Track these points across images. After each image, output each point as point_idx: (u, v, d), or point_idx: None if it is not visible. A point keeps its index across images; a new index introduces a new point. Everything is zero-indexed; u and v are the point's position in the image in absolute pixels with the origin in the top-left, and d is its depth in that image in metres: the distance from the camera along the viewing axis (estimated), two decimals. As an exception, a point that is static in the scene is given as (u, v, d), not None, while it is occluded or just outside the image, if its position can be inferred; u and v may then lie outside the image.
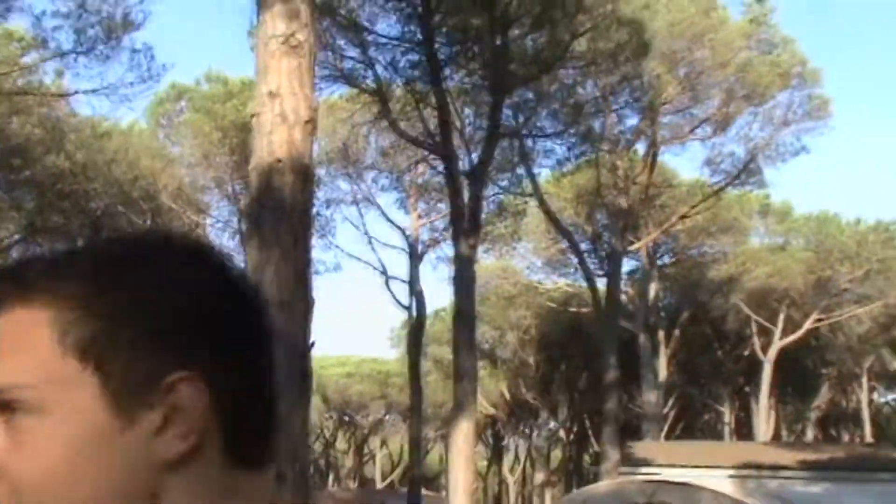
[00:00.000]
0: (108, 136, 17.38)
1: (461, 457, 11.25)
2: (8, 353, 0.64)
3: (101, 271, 0.66)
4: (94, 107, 17.15)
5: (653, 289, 24.01)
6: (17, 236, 19.89)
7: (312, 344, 5.99)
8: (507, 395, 35.59)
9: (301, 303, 5.75)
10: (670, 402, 29.00)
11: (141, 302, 0.64)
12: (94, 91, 14.26)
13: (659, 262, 25.77)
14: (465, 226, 12.30)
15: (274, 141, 5.94)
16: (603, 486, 13.77)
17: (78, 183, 17.52)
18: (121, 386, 0.63)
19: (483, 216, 17.98)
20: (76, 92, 14.59)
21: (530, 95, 15.47)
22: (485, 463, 46.81)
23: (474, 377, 11.68)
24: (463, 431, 11.30)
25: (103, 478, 0.63)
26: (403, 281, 18.98)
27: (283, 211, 5.82)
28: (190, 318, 0.65)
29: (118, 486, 0.63)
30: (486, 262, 26.55)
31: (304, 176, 5.97)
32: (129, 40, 15.13)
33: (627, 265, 24.03)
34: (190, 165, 18.48)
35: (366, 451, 48.94)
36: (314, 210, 20.03)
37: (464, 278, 11.94)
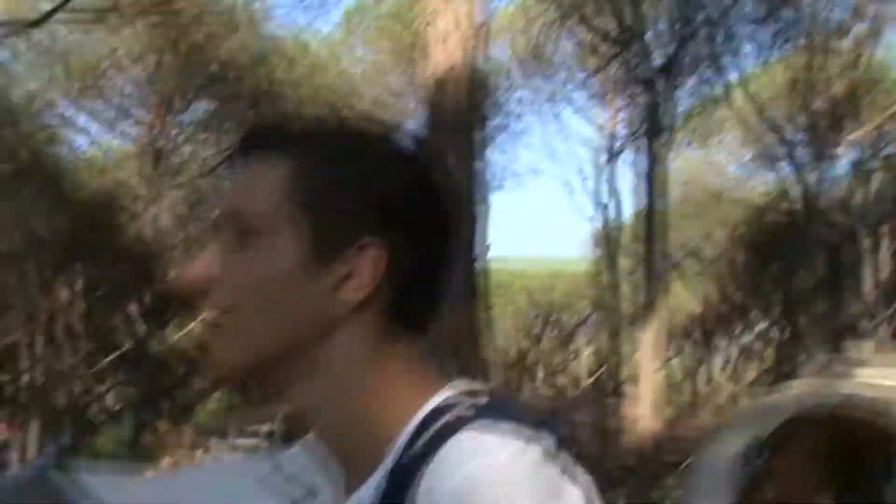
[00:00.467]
0: (307, 48, 18.28)
1: (650, 357, 11.29)
2: (249, 186, 0.84)
3: (331, 144, 0.85)
4: (292, 21, 17.98)
5: (875, 180, 22.41)
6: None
7: (488, 246, 6.18)
8: (715, 295, 34.76)
9: (475, 207, 5.96)
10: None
11: (355, 177, 0.82)
12: (289, 11, 15.06)
13: (883, 153, 23.92)
14: (658, 124, 12.00)
15: (447, 48, 6.07)
16: (803, 384, 13.31)
17: (281, 95, 18.60)
18: (324, 237, 0.82)
19: (681, 111, 17.40)
20: (273, 14, 15.51)
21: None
22: (692, 364, 46.31)
23: (665, 278, 11.59)
24: (653, 332, 11.30)
25: (292, 304, 0.82)
26: (598, 181, 18.80)
27: (458, 116, 5.99)
28: (389, 198, 0.82)
29: (301, 314, 0.82)
30: (690, 156, 25.72)
31: (478, 82, 6.09)
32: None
33: (845, 157, 22.55)
34: (385, 72, 19.04)
35: (571, 349, 49.67)
36: (506, 113, 20.17)
37: (656, 177, 11.72)
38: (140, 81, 19.98)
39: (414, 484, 0.75)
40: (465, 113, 6.04)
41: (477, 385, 0.84)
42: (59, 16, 13.34)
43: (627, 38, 13.76)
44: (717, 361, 44.66)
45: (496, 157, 27.62)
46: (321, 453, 0.89)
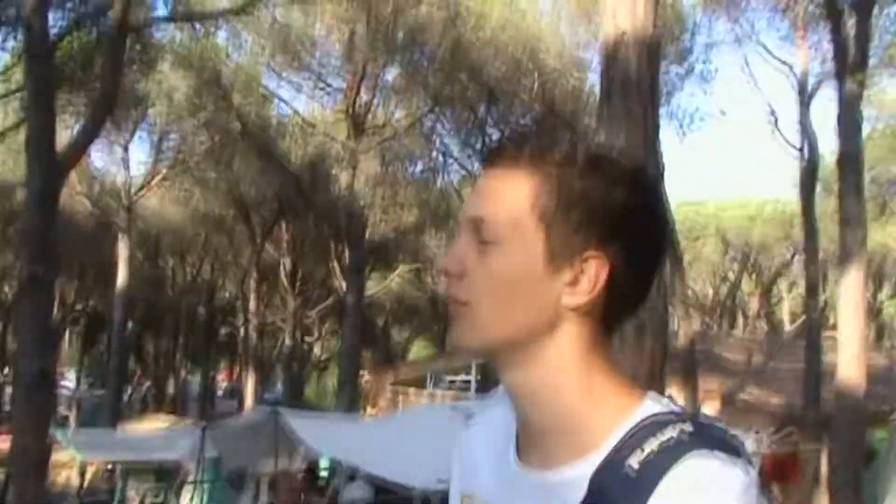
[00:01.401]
0: (494, 5, 18.60)
1: (850, 305, 10.97)
2: (493, 197, 0.95)
3: (565, 167, 0.93)
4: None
5: None
6: (426, 108, 22.13)
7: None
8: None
9: (651, 169, 6.12)
10: None
11: (585, 197, 0.92)
12: None
13: None
14: (850, 62, 11.48)
15: (619, 14, 6.23)
16: None
17: (471, 55, 19.01)
18: (556, 248, 0.92)
19: (880, 44, 16.39)
20: None
21: None
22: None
23: (863, 223, 11.16)
24: (851, 279, 10.96)
25: (525, 300, 0.93)
26: (794, 123, 18.04)
27: (630, 82, 6.14)
28: (613, 217, 0.92)
29: (529, 312, 0.94)
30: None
31: (650, 46, 6.21)
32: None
33: None
34: (570, 25, 19.05)
35: (774, 293, 47.72)
36: (694, 55, 19.60)
37: (849, 118, 11.27)
38: (337, 53, 21.00)
39: (642, 498, 0.84)
40: (641, 74, 6.13)
41: (670, 403, 0.95)
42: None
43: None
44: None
45: (685, 101, 26.90)
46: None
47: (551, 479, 0.93)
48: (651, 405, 0.93)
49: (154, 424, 26.97)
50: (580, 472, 0.90)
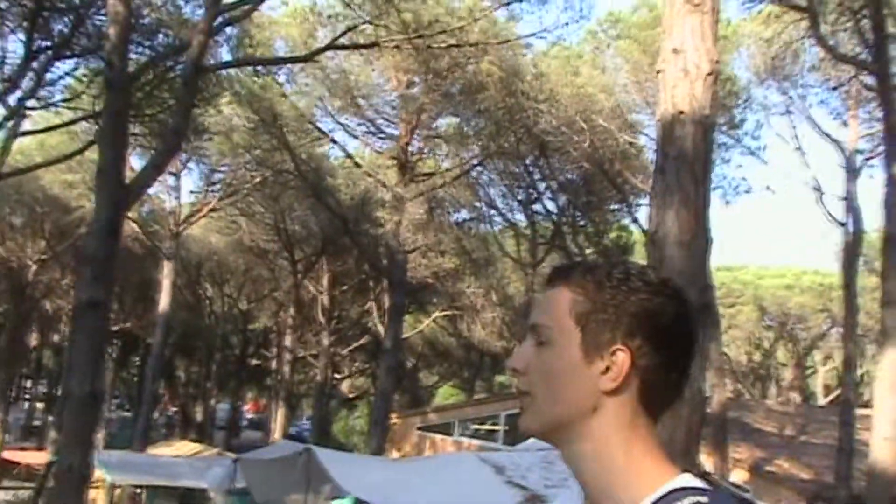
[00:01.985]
0: (551, 66, 19.06)
1: (886, 385, 10.99)
2: (546, 308, 1.19)
3: (598, 279, 1.17)
4: (533, 50, 18.83)
5: None
6: (476, 160, 22.54)
7: (709, 279, 6.60)
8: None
9: (699, 242, 6.35)
10: None
11: (613, 302, 1.15)
12: (533, 35, 16.19)
13: None
14: (900, 144, 11.63)
15: (677, 94, 6.50)
16: None
17: (525, 110, 19.41)
18: (590, 343, 1.14)
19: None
20: (518, 38, 16.60)
21: None
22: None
23: (903, 304, 11.21)
24: (889, 360, 10.99)
25: (570, 387, 1.15)
26: (839, 197, 18.13)
27: (685, 159, 6.39)
28: (635, 317, 1.14)
29: (574, 397, 1.15)
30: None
31: (705, 126, 6.46)
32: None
33: None
34: (622, 89, 19.38)
35: (808, 364, 47.16)
36: (743, 132, 19.80)
37: (895, 200, 11.39)
38: (392, 101, 21.55)
39: None
40: (696, 152, 6.36)
41: (703, 478, 1.13)
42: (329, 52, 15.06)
43: (866, 60, 13.37)
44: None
45: (730, 171, 27.07)
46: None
47: None
48: (682, 480, 1.10)
49: (181, 450, 27.25)
50: None
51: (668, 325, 1.15)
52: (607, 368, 1.13)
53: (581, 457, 1.16)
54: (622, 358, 1.13)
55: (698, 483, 1.11)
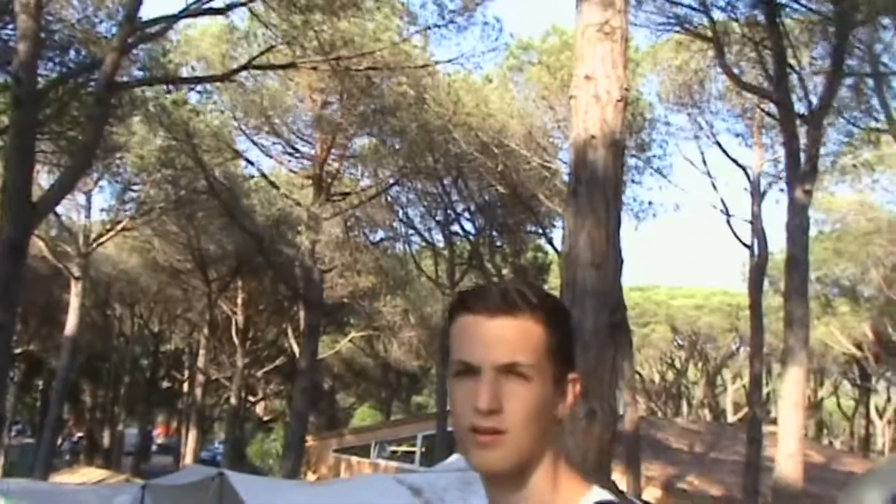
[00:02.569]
0: (465, 90, 19.26)
1: (789, 403, 11.39)
2: (527, 346, 1.19)
3: (555, 315, 1.23)
4: (449, 72, 19.07)
5: None
6: (392, 179, 22.58)
7: (621, 299, 6.79)
8: (871, 334, 33.44)
9: (611, 263, 6.50)
10: None
11: (567, 335, 1.24)
12: (450, 61, 16.52)
13: None
14: (801, 170, 12.12)
15: (588, 119, 6.66)
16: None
17: (440, 132, 19.55)
18: (557, 377, 1.20)
19: (830, 151, 17.23)
20: (437, 62, 16.92)
21: (885, 28, 14.45)
22: (851, 403, 44.30)
23: (805, 325, 11.66)
24: (792, 379, 11.40)
25: (544, 421, 1.19)
26: (745, 220, 18.76)
27: (597, 182, 6.54)
28: (571, 345, 1.24)
29: (546, 427, 1.20)
30: (843, 195, 25.10)
31: (616, 150, 6.64)
32: (480, 14, 16.96)
33: None
34: (535, 114, 19.71)
35: (719, 383, 48.41)
36: (652, 148, 20.32)
37: (796, 224, 11.85)
38: (308, 120, 21.44)
39: None
40: (606, 175, 6.51)
41: (616, 495, 1.21)
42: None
43: (768, 89, 13.92)
44: (875, 402, 42.55)
45: (640, 192, 27.71)
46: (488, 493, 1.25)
47: None
48: (597, 494, 1.18)
49: (86, 476, 26.38)
50: None
51: (573, 345, 1.25)
52: (565, 397, 1.21)
53: (536, 488, 1.19)
54: (575, 385, 1.22)
55: (611, 497, 1.17)
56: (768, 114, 16.48)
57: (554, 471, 1.20)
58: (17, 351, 35.41)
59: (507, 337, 1.18)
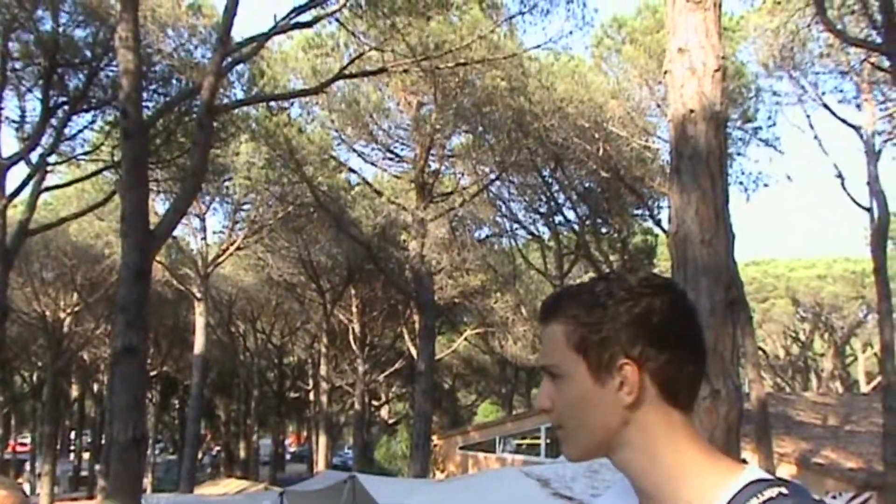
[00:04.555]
0: (558, 76, 19.11)
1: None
2: (547, 349, 1.24)
3: (584, 303, 1.21)
4: (540, 59, 18.91)
5: None
6: (492, 175, 22.60)
7: (735, 275, 6.62)
8: None
9: (721, 239, 6.34)
10: None
11: (604, 320, 1.19)
12: (538, 46, 16.34)
13: None
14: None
15: (686, 93, 6.52)
16: None
17: (537, 121, 19.46)
18: (595, 366, 1.18)
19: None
20: (525, 50, 16.79)
21: None
22: None
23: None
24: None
25: (593, 412, 1.19)
26: (862, 183, 17.94)
27: (699, 157, 6.40)
28: (629, 326, 1.17)
29: (601, 417, 1.19)
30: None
31: (717, 123, 6.48)
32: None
33: None
34: (632, 94, 19.40)
35: (848, 353, 46.59)
36: (758, 125, 19.71)
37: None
38: (405, 123, 21.70)
39: None
40: (709, 148, 6.36)
41: (768, 472, 1.14)
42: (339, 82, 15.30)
43: (876, 42, 13.31)
44: None
45: (748, 165, 26.89)
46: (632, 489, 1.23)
47: None
48: (753, 472, 1.12)
49: (228, 487, 27.41)
50: None
51: (662, 321, 1.18)
52: (621, 384, 1.17)
53: (631, 465, 1.20)
54: (629, 370, 1.17)
55: (767, 474, 1.13)
56: (879, 68, 15.74)
57: (672, 453, 1.17)
58: (153, 373, 37.17)
59: (543, 342, 1.26)
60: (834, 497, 13.42)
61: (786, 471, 16.62)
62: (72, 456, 50.33)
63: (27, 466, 41.61)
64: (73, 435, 52.73)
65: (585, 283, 1.28)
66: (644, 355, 1.17)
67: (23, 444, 48.65)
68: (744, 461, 1.21)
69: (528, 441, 28.49)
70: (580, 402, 1.20)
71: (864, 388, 41.06)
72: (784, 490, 1.07)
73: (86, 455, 46.90)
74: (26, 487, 34.61)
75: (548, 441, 26.96)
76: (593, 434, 1.20)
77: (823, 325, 43.21)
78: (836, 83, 19.30)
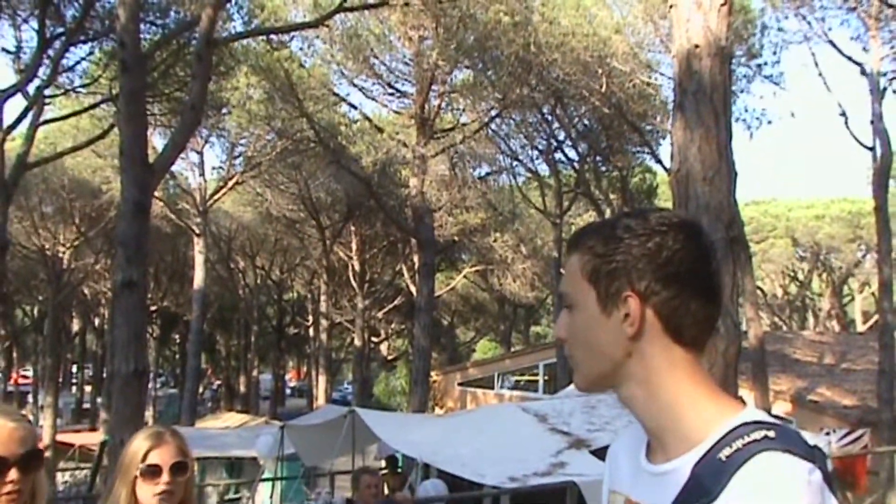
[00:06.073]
0: (562, 9, 18.80)
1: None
2: (568, 277, 1.29)
3: (602, 235, 1.26)
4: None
5: None
6: (493, 111, 22.39)
7: (736, 213, 6.59)
8: None
9: (724, 177, 6.32)
10: None
11: (616, 253, 1.23)
12: None
13: None
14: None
15: (691, 28, 6.43)
16: None
17: (539, 56, 19.20)
18: (603, 296, 1.23)
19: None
20: None
21: None
22: None
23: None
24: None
25: (598, 341, 1.24)
26: (865, 121, 17.77)
27: (703, 93, 6.34)
28: (639, 261, 1.21)
29: (605, 347, 1.24)
30: None
31: (722, 58, 6.40)
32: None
33: None
34: (637, 28, 19.11)
35: (846, 293, 46.82)
36: (762, 61, 19.46)
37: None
38: (405, 58, 21.39)
39: (724, 482, 1.08)
40: (714, 84, 6.30)
41: (766, 415, 1.17)
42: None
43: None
44: None
45: (752, 101, 26.62)
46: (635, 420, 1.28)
47: (665, 469, 1.20)
48: (749, 414, 1.16)
49: (228, 421, 27.77)
50: (686, 462, 1.16)
51: (670, 258, 1.20)
52: (626, 316, 1.21)
53: (633, 399, 1.24)
54: (633, 303, 1.20)
55: (764, 417, 1.16)
56: (888, 4, 15.50)
57: (673, 387, 1.20)
58: (153, 308, 37.39)
59: (564, 272, 1.33)
60: (828, 433, 13.61)
61: (781, 408, 16.85)
62: (74, 389, 50.94)
63: (30, 398, 42.14)
64: (74, 368, 53.28)
65: (610, 218, 1.33)
66: (649, 289, 1.20)
67: (25, 377, 49.18)
68: (742, 401, 1.23)
69: (526, 378, 28.84)
70: (587, 330, 1.25)
71: (861, 328, 41.37)
72: (771, 433, 1.10)
73: (88, 388, 47.44)
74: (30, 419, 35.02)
75: (545, 378, 27.26)
76: (599, 364, 1.24)
77: (822, 265, 43.35)
78: (842, 19, 19.03)
